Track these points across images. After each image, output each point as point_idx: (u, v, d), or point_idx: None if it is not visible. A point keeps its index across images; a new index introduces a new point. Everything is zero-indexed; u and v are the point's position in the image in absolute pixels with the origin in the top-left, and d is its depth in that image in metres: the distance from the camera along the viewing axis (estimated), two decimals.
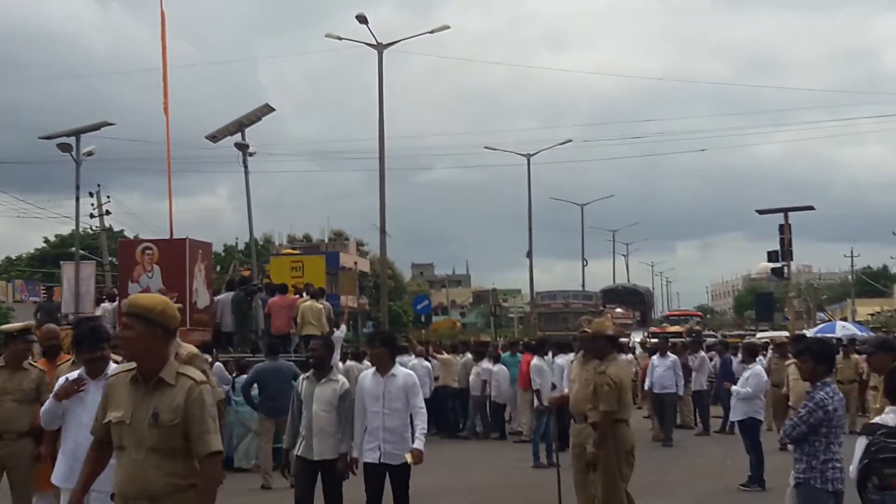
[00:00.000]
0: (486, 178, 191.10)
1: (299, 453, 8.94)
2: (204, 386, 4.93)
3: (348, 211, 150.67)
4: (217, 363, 16.65)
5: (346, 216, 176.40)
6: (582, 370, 9.63)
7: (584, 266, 73.54)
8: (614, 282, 74.43)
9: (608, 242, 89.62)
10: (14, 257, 69.49)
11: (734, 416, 14.34)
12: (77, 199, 25.39)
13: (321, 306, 20.43)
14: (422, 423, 8.65)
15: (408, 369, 9.44)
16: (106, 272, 44.79)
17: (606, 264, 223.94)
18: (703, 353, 23.48)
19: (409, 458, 8.52)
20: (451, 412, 21.62)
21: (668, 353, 21.04)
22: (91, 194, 46.73)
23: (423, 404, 8.78)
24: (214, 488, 4.90)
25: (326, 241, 78.41)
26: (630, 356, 28.93)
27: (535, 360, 17.99)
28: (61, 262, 33.08)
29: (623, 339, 33.37)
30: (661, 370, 20.36)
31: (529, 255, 57.68)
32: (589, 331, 9.60)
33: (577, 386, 9.66)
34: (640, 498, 10.85)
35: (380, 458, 8.58)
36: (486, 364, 21.21)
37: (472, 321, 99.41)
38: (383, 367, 8.78)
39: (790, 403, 13.81)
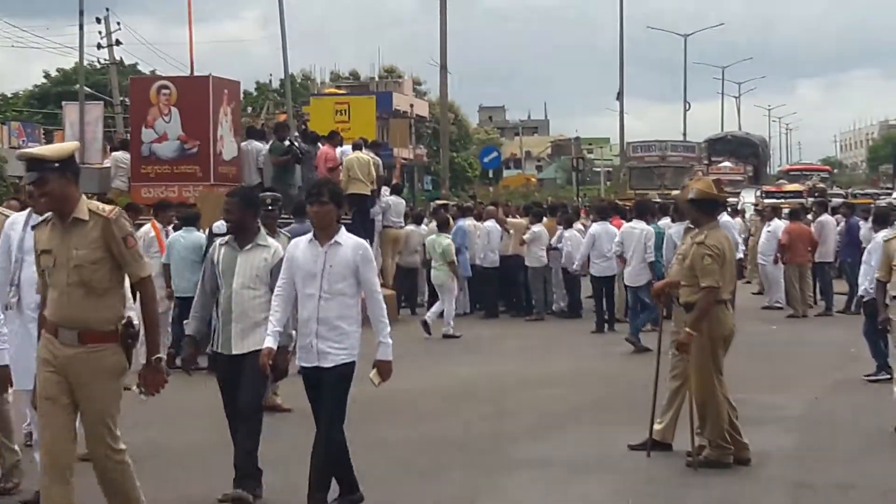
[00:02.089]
0: (568, 3, 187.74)
1: (217, 348, 8.26)
2: (117, 219, 6.23)
3: (402, 42, 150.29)
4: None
5: (400, 49, 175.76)
6: (682, 243, 9.65)
7: (685, 110, 72.91)
8: (722, 130, 73.43)
9: (716, 81, 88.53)
10: (10, 95, 70.04)
11: (862, 293, 14.18)
12: (81, 27, 25.48)
13: (369, 158, 20.44)
14: (382, 317, 7.57)
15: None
16: (116, 114, 45.18)
17: (713, 108, 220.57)
18: (827, 217, 23.20)
19: (373, 376, 7.59)
20: (522, 287, 21.71)
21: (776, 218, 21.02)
22: (98, 20, 46.67)
23: (379, 287, 7.71)
24: (155, 308, 6.53)
25: (377, 78, 78.11)
26: (739, 219, 28.73)
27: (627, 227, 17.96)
28: (63, 102, 33.37)
29: (732, 200, 33.16)
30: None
31: (620, 96, 57.17)
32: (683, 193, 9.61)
33: (675, 261, 9.70)
34: (747, 392, 10.90)
35: (315, 359, 7.54)
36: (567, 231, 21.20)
37: (550, 176, 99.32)
38: (325, 231, 7.58)
39: None
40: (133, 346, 6.36)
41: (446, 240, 19.30)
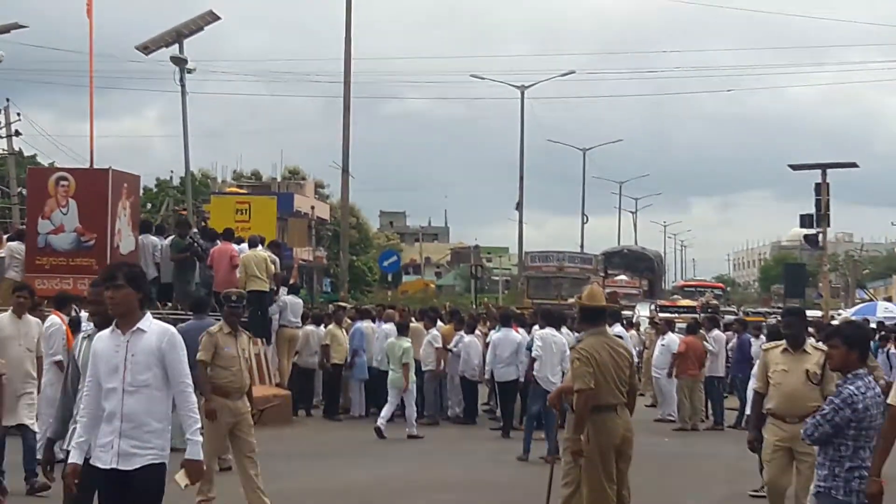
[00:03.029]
0: (470, 113, 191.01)
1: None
2: None
3: (306, 145, 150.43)
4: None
5: (303, 151, 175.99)
6: None
7: (583, 223, 73.97)
8: (619, 243, 74.69)
9: (613, 196, 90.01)
10: None
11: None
12: None
13: (265, 255, 20.44)
14: (191, 412, 6.91)
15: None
16: (13, 205, 44.59)
17: (610, 222, 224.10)
18: (718, 332, 23.64)
19: (180, 479, 7.00)
20: (419, 391, 21.73)
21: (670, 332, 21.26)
22: None
23: (189, 378, 6.97)
24: None
25: (279, 179, 78.30)
26: (633, 332, 29.13)
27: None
28: None
29: (626, 312, 33.61)
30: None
31: (519, 207, 57.85)
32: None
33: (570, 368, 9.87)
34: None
35: (115, 461, 6.72)
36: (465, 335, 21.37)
37: (448, 283, 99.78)
38: (126, 318, 6.86)
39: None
40: None
41: (406, 343, 19.45)
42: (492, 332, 20.78)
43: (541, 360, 16.78)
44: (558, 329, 17.56)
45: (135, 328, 6.84)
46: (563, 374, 16.66)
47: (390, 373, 19.51)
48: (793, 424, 9.62)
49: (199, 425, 6.96)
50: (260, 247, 20.83)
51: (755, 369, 12.53)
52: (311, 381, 22.61)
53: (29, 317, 12.72)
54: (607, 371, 9.35)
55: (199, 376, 11.02)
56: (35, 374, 12.57)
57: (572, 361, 9.37)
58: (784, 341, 10.23)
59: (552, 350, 16.81)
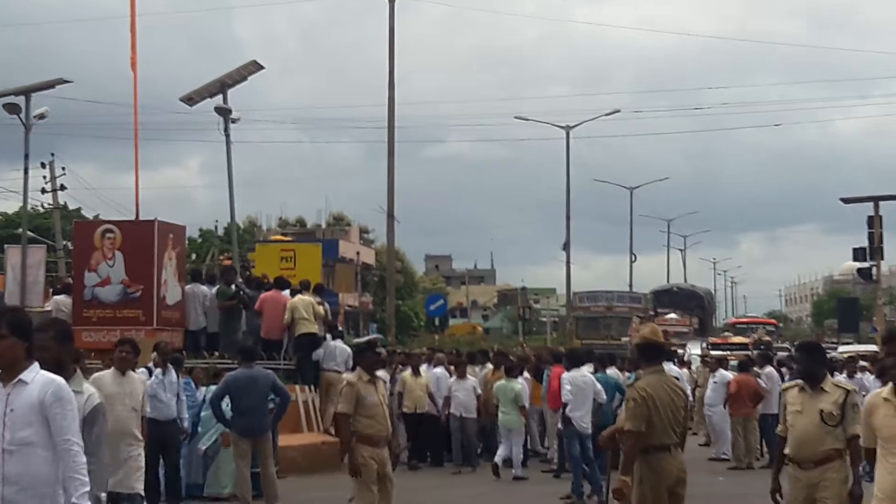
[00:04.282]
0: (515, 155, 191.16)
1: None
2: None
3: (350, 191, 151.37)
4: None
5: (348, 197, 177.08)
6: None
7: (632, 262, 73.67)
8: (668, 281, 74.40)
9: (661, 234, 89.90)
10: None
11: None
12: (26, 171, 25.52)
13: (312, 300, 20.51)
14: (75, 472, 6.12)
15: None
16: (59, 258, 45.08)
17: (659, 260, 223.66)
18: (770, 369, 23.47)
19: None
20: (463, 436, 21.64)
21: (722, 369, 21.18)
22: (43, 165, 47.08)
23: (77, 437, 6.20)
24: None
25: (324, 226, 78.71)
26: (685, 371, 28.93)
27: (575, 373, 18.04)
28: (6, 246, 33.28)
29: (678, 350, 33.42)
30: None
31: (567, 247, 57.78)
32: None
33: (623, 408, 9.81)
34: None
35: None
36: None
37: (496, 325, 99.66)
38: (8, 370, 6.24)
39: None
40: None
41: (518, 385, 19.71)
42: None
43: (572, 401, 16.84)
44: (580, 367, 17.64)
45: (16, 380, 6.18)
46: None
47: (501, 415, 19.69)
48: (809, 471, 8.94)
49: (87, 488, 6.12)
50: (305, 292, 20.90)
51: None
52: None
53: (133, 374, 12.26)
54: (664, 411, 9.17)
55: (342, 430, 11.45)
56: (140, 436, 12.02)
57: (627, 401, 9.23)
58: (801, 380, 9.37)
59: (582, 390, 16.96)
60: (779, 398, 9.93)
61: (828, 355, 11.25)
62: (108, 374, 12.00)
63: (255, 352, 16.40)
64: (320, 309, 20.54)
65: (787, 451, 9.18)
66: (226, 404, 14.49)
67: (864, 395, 12.14)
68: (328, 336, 21.70)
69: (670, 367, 21.06)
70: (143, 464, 12.02)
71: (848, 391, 9.12)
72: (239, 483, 14.61)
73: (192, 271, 22.86)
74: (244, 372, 14.50)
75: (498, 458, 19.27)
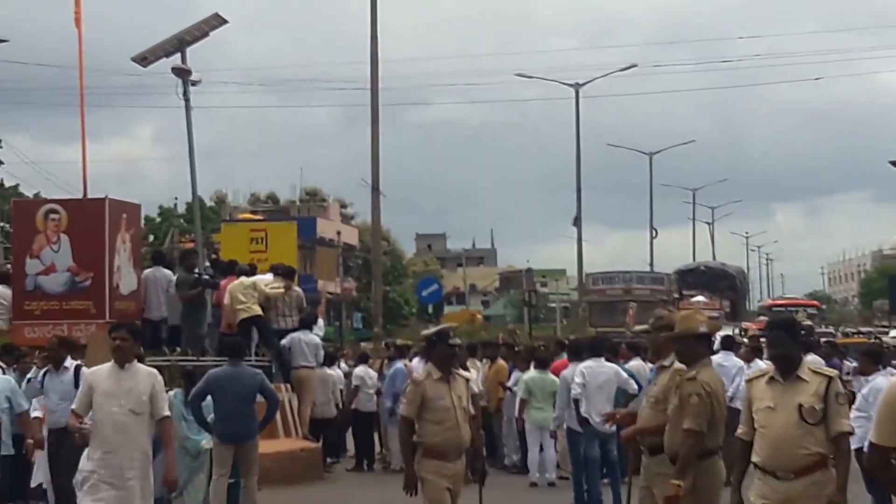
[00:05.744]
0: (516, 118, 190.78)
1: None
2: None
3: (327, 162, 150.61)
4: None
5: (325, 169, 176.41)
6: (651, 384, 9.67)
7: (652, 238, 73.71)
8: (694, 260, 74.50)
9: (686, 206, 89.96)
10: None
11: (853, 444, 14.32)
12: None
13: (252, 281, 20.50)
14: None
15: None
16: None
17: (683, 235, 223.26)
18: (815, 357, 23.43)
19: None
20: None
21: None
22: None
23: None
24: None
25: (298, 202, 78.62)
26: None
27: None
28: None
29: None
30: None
31: (577, 222, 57.72)
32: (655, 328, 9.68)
33: (646, 404, 9.75)
34: None
35: None
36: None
37: (498, 312, 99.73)
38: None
39: None
40: None
41: (552, 377, 19.46)
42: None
43: (583, 398, 16.54)
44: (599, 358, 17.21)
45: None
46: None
47: (535, 412, 19.67)
48: (787, 482, 8.23)
49: None
50: (244, 275, 20.84)
51: (871, 405, 11.54)
52: (338, 431, 22.86)
53: (138, 366, 11.12)
54: (720, 411, 9.10)
55: (402, 437, 11.20)
56: (149, 448, 10.95)
57: (690, 396, 8.90)
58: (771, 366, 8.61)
59: (598, 385, 16.64)
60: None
61: (881, 342, 11.01)
62: (105, 369, 11.07)
63: (243, 347, 16.17)
64: (265, 288, 20.36)
65: (755, 459, 8.38)
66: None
67: None
68: (295, 329, 21.34)
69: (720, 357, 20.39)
70: (151, 477, 10.94)
71: (830, 378, 8.38)
72: (214, 494, 14.37)
73: (153, 253, 22.79)
74: (228, 370, 14.42)
75: (533, 476, 19.39)
